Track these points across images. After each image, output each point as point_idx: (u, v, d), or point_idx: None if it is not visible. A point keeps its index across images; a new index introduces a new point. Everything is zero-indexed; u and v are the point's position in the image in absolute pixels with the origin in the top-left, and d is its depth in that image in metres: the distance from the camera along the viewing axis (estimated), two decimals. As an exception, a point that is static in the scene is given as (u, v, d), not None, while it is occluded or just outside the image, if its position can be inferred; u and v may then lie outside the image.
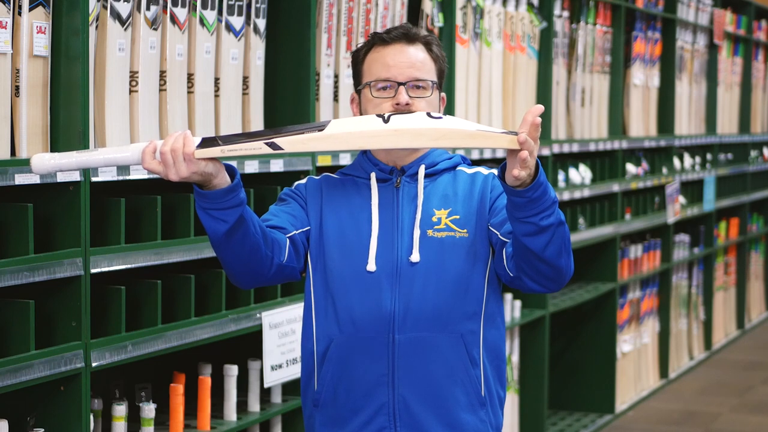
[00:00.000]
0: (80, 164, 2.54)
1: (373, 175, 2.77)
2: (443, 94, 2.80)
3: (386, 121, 2.51)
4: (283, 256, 2.70)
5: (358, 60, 2.80)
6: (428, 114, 2.53)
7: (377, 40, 2.77)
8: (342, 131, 2.52)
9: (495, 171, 2.80)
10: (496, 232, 2.71)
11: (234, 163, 3.76)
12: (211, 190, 2.53)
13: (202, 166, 2.49)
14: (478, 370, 2.73)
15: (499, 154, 5.53)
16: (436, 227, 2.72)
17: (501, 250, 2.70)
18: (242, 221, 2.57)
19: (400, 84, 2.70)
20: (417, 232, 2.71)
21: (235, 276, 2.71)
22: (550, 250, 2.58)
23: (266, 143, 2.50)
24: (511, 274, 2.68)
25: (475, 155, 5.23)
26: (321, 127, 2.52)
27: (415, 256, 2.70)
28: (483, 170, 2.81)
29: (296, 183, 2.85)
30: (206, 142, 2.49)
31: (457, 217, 2.73)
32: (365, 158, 2.81)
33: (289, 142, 2.51)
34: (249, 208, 2.60)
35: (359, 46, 2.83)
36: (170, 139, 2.49)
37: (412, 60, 2.73)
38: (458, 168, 2.81)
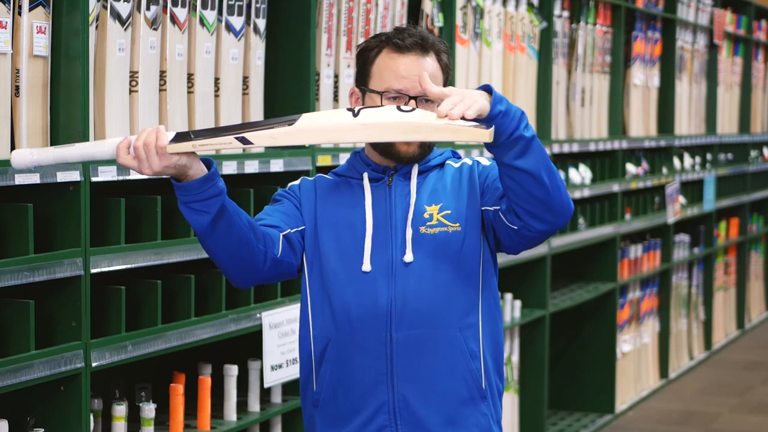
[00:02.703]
0: (58, 158, 2.56)
1: (365, 175, 2.77)
2: None
3: (356, 114, 2.52)
4: (277, 251, 2.70)
5: (367, 59, 2.77)
6: (398, 108, 2.54)
7: (391, 43, 2.74)
8: (311, 125, 2.52)
9: (475, 157, 2.82)
10: (490, 207, 2.71)
11: (233, 164, 3.78)
12: (188, 182, 2.54)
13: (174, 160, 2.51)
14: (478, 362, 2.73)
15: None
16: (428, 224, 2.72)
17: (497, 216, 2.69)
18: (225, 211, 2.58)
19: (411, 98, 2.70)
20: (409, 232, 2.71)
21: (230, 272, 2.71)
22: (545, 169, 2.56)
23: (236, 138, 2.52)
24: (515, 227, 2.64)
25: (475, 155, 5.22)
26: (291, 122, 2.53)
27: (409, 256, 2.70)
28: (468, 161, 2.82)
29: (290, 184, 2.85)
30: (180, 137, 2.51)
31: (449, 211, 2.73)
32: (358, 159, 2.81)
33: (259, 137, 2.52)
34: (233, 203, 2.61)
35: (369, 42, 2.79)
36: (143, 134, 2.51)
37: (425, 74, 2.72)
38: (446, 162, 2.82)
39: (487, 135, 2.47)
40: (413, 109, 2.52)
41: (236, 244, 2.62)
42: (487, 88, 2.52)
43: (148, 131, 2.50)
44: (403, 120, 2.50)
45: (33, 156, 2.55)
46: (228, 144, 2.52)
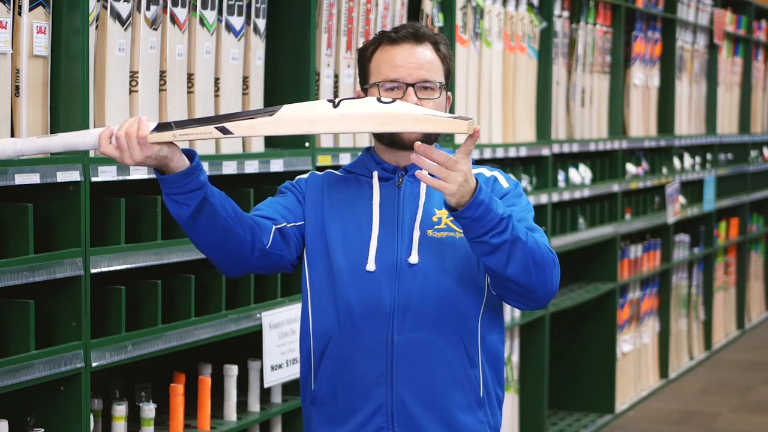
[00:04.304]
0: (41, 148, 2.59)
1: (375, 174, 2.77)
2: (449, 93, 2.79)
3: (336, 105, 2.53)
4: (267, 242, 2.69)
5: (365, 58, 2.78)
6: (378, 99, 2.54)
7: (385, 38, 2.75)
8: (291, 116, 2.53)
9: (497, 173, 2.80)
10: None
11: (233, 164, 3.77)
12: (170, 175, 2.55)
13: (155, 150, 2.51)
14: (477, 371, 2.72)
15: (499, 154, 5.53)
16: (436, 227, 2.71)
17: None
18: (206, 204, 2.58)
19: (408, 85, 2.70)
20: (417, 234, 2.71)
21: (217, 262, 2.71)
22: (512, 269, 2.58)
23: (216, 127, 2.53)
24: (494, 292, 2.71)
25: (475, 154, 5.23)
26: (272, 112, 2.54)
27: (414, 258, 2.69)
28: (486, 171, 2.79)
29: (298, 177, 2.85)
30: (161, 127, 2.52)
31: (457, 217, 2.72)
32: (368, 156, 2.80)
33: (239, 127, 2.54)
34: (218, 193, 2.61)
35: (366, 43, 2.81)
36: (125, 124, 2.52)
37: (421, 61, 2.71)
38: None
39: (464, 127, 2.47)
40: (393, 101, 2.53)
41: (221, 235, 2.63)
42: (479, 189, 2.51)
43: (130, 121, 2.52)
44: (382, 110, 2.51)
45: (16, 145, 2.59)
46: (208, 134, 2.54)
